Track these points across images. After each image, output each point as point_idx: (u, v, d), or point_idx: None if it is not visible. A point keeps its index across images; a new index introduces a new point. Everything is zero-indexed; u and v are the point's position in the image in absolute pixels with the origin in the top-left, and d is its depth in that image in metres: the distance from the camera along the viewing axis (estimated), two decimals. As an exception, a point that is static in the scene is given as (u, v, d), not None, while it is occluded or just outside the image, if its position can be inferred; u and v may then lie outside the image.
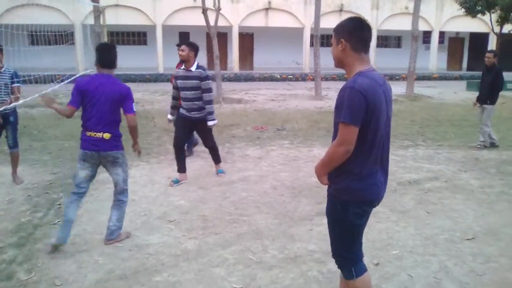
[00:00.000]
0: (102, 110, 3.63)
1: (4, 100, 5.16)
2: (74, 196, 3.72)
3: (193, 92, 5.29)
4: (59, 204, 4.73)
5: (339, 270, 2.57)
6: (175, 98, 5.61)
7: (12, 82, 5.24)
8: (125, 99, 3.69)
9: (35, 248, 3.71)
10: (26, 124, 9.07)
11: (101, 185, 5.41)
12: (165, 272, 3.30)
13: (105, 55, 3.73)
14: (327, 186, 2.45)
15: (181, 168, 5.53)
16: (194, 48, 5.31)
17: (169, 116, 5.83)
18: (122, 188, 3.83)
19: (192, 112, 5.40)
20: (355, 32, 2.30)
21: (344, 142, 2.20)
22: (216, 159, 5.83)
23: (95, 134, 3.62)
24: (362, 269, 2.50)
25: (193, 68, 5.29)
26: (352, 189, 2.32)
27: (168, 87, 20.12)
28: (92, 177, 3.79)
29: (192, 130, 5.72)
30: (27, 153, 6.90)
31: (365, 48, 2.34)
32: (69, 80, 8.19)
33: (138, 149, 4.05)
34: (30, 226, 4.17)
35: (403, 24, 24.74)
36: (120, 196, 3.84)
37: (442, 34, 27.62)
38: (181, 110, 5.51)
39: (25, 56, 7.04)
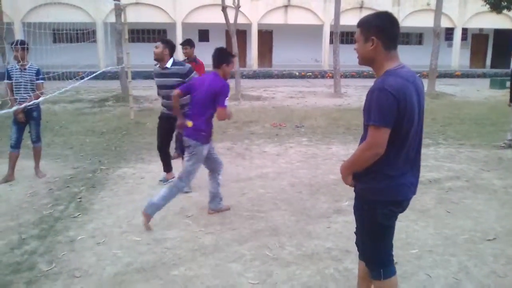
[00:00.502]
0: (196, 101, 4.14)
1: (28, 97, 5.27)
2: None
3: (171, 90, 4.76)
4: (80, 198, 4.82)
5: (356, 269, 2.54)
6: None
7: (37, 79, 5.35)
8: (218, 94, 4.06)
9: (56, 240, 3.79)
10: (48, 120, 9.25)
11: (121, 180, 5.49)
12: (182, 266, 3.33)
13: (212, 56, 4.22)
14: (343, 184, 2.41)
15: (167, 168, 5.43)
16: (169, 46, 5.07)
17: None
18: (180, 173, 4.17)
19: (171, 110, 4.93)
20: (386, 29, 2.19)
21: (373, 146, 2.13)
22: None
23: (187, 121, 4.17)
24: (392, 272, 2.44)
25: (169, 65, 5.03)
26: (380, 188, 2.26)
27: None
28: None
29: (172, 130, 5.28)
30: (49, 148, 7.04)
31: (395, 44, 2.24)
32: (89, 77, 8.31)
33: None
34: (52, 219, 4.26)
35: (425, 21, 24.29)
36: (177, 178, 4.17)
37: (465, 30, 27.05)
38: (162, 110, 5.30)
39: (48, 54, 7.18)
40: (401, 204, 2.34)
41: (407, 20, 25.67)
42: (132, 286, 3.06)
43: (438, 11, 15.36)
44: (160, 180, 5.42)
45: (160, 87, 5.18)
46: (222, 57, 4.21)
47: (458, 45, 26.58)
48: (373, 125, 2.10)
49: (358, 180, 2.34)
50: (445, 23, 23.44)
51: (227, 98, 4.11)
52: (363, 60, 2.30)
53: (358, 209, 2.40)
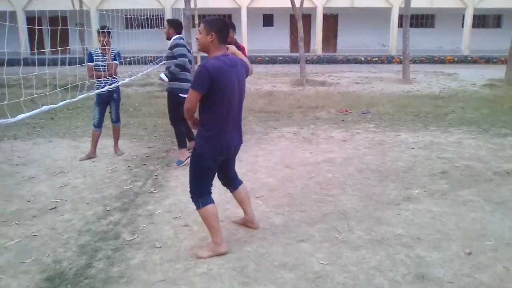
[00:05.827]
0: None
1: (112, 79, 5.64)
2: None
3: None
4: (156, 176, 5.12)
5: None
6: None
7: (113, 59, 5.69)
8: None
9: (137, 213, 4.09)
10: (123, 102, 9.70)
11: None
12: (254, 243, 3.47)
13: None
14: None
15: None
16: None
17: None
18: None
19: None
20: (222, 30, 3.07)
21: (187, 101, 3.02)
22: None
23: None
24: (208, 201, 3.24)
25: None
26: (203, 141, 3.13)
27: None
28: None
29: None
30: (125, 128, 7.49)
31: (225, 40, 3.13)
32: (162, 63, 8.66)
33: None
34: (132, 194, 4.58)
35: (504, 2, 22.64)
36: None
37: (551, 12, 24.84)
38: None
39: (122, 39, 7.61)
40: (222, 153, 3.19)
41: (484, 1, 24.02)
42: (207, 259, 3.24)
43: (521, -9, 14.22)
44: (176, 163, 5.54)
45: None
46: None
47: (542, 28, 24.46)
48: (191, 88, 2.98)
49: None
50: (528, 4, 21.66)
51: None
52: (202, 47, 3.13)
53: (192, 152, 3.22)
